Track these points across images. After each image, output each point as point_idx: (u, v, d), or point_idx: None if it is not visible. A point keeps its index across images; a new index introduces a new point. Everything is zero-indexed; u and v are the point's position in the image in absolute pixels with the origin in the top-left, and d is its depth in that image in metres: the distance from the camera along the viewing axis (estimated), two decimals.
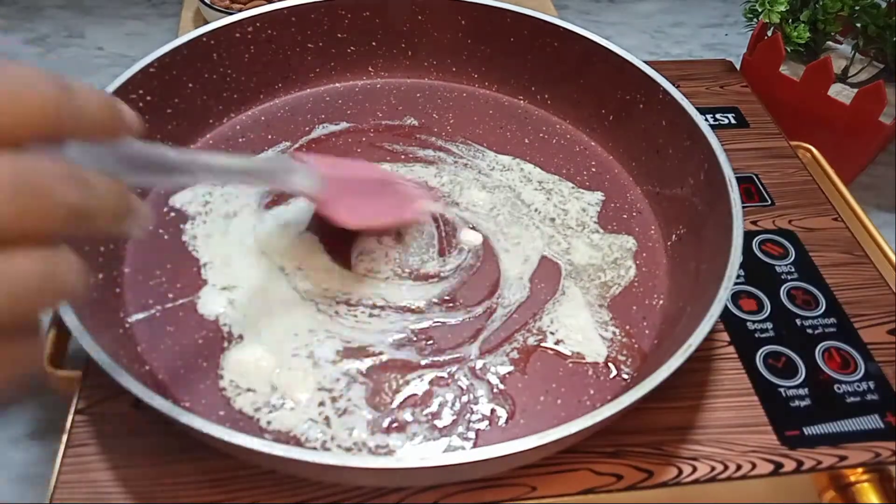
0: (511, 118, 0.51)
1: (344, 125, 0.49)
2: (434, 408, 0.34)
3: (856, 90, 0.54)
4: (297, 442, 0.33)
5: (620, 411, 0.28)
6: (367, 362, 0.36)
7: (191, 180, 0.26)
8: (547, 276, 0.41)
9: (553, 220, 0.44)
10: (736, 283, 0.42)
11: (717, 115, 0.54)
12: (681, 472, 0.34)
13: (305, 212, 0.43)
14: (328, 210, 0.35)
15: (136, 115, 0.22)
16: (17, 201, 0.17)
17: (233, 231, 0.42)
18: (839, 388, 0.38)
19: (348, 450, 0.33)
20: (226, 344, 0.36)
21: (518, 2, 0.50)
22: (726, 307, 0.38)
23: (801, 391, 0.37)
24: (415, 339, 0.37)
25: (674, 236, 0.43)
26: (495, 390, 0.35)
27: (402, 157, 0.47)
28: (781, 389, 0.37)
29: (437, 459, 0.27)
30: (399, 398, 0.35)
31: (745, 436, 0.35)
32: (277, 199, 0.44)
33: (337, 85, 0.52)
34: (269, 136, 0.48)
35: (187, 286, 0.39)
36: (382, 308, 0.38)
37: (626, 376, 0.36)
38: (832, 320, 0.41)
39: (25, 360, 0.19)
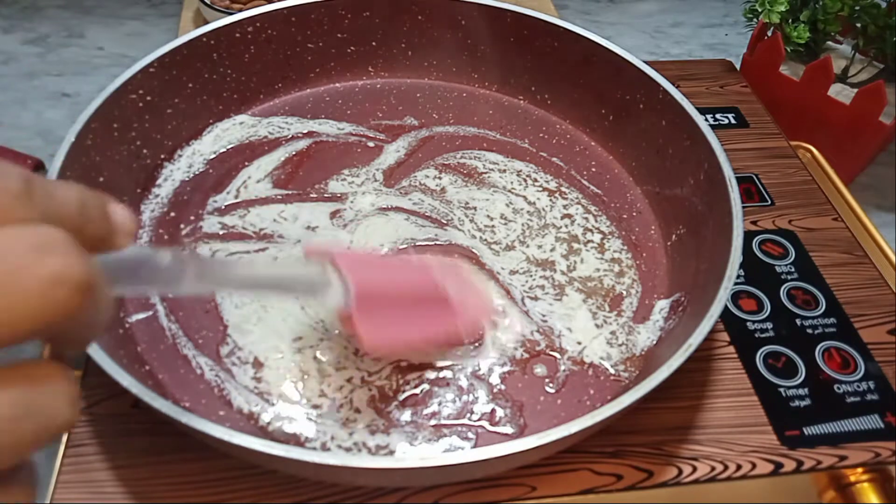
0: (511, 118, 0.51)
1: (344, 125, 0.49)
2: (434, 408, 0.34)
3: (856, 90, 0.54)
4: (298, 442, 0.33)
5: (620, 411, 0.28)
6: (368, 363, 0.36)
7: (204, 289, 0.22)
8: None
9: (558, 228, 0.44)
10: (736, 283, 0.42)
11: (717, 115, 0.54)
12: (681, 472, 0.34)
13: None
14: (354, 327, 0.28)
15: (129, 215, 0.18)
16: None
17: None
18: (839, 388, 0.38)
19: (348, 450, 0.33)
20: (227, 344, 0.36)
21: (518, 2, 0.50)
22: (726, 307, 0.38)
23: (801, 391, 0.37)
24: None
25: (674, 236, 0.43)
26: (495, 390, 0.35)
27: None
28: (781, 389, 0.37)
29: (437, 459, 0.27)
30: (399, 398, 0.35)
31: (745, 436, 0.35)
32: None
33: (337, 85, 0.52)
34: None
35: None
36: None
37: (626, 376, 0.36)
38: (832, 320, 0.41)
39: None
